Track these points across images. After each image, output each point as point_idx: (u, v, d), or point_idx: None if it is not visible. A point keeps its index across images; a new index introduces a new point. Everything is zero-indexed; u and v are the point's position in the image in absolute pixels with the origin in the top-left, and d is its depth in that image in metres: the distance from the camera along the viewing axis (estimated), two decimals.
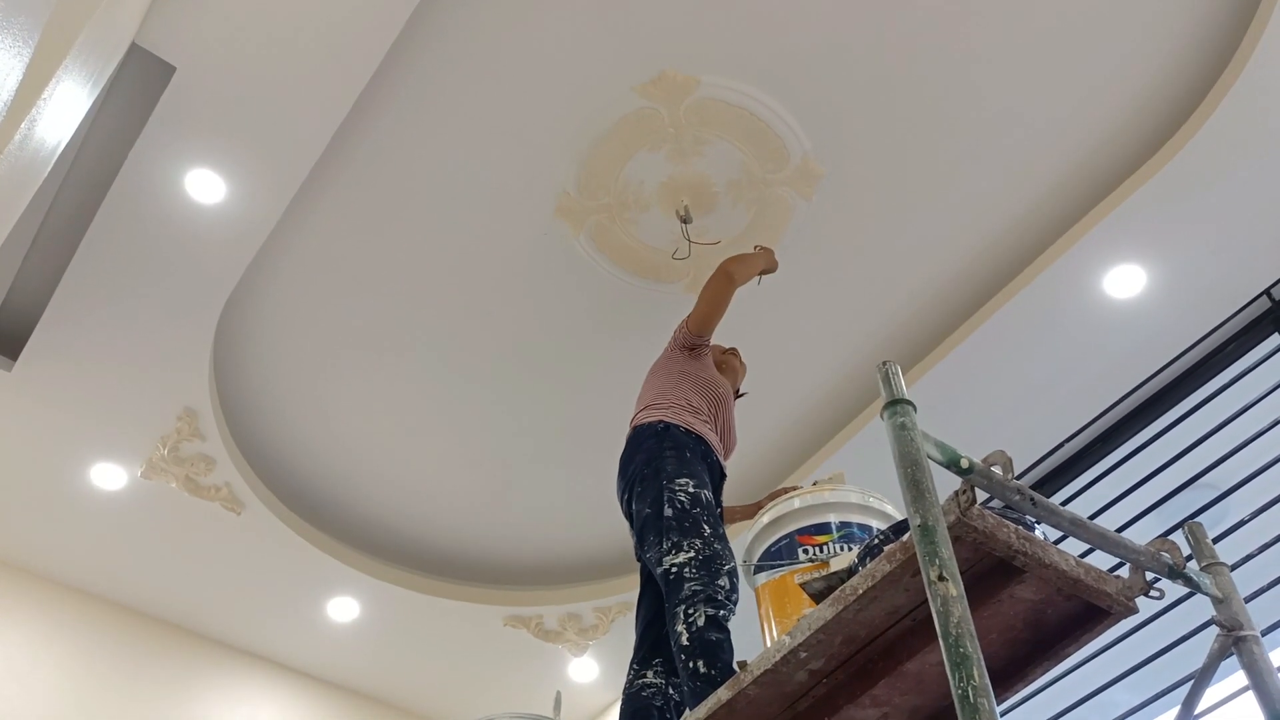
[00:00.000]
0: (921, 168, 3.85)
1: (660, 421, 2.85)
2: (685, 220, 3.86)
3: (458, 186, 3.86)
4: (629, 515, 2.81)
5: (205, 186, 3.61)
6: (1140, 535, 3.59)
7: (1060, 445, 4.25)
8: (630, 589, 4.57)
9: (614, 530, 4.26)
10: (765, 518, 2.76)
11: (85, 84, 2.78)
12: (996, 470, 1.75)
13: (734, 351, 3.50)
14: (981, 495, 1.78)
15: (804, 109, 3.70)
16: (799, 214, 3.95)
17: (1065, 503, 4.07)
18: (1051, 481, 4.31)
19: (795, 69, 3.62)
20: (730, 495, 3.20)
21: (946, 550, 1.55)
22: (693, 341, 3.15)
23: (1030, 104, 3.70)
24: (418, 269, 4.08)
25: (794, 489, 3.14)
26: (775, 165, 3.83)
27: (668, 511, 2.58)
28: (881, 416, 1.75)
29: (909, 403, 1.73)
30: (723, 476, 2.94)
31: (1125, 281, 3.91)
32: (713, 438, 2.92)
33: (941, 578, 1.51)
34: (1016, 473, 4.18)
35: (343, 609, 4.95)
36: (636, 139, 3.76)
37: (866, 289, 4.16)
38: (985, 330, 4.04)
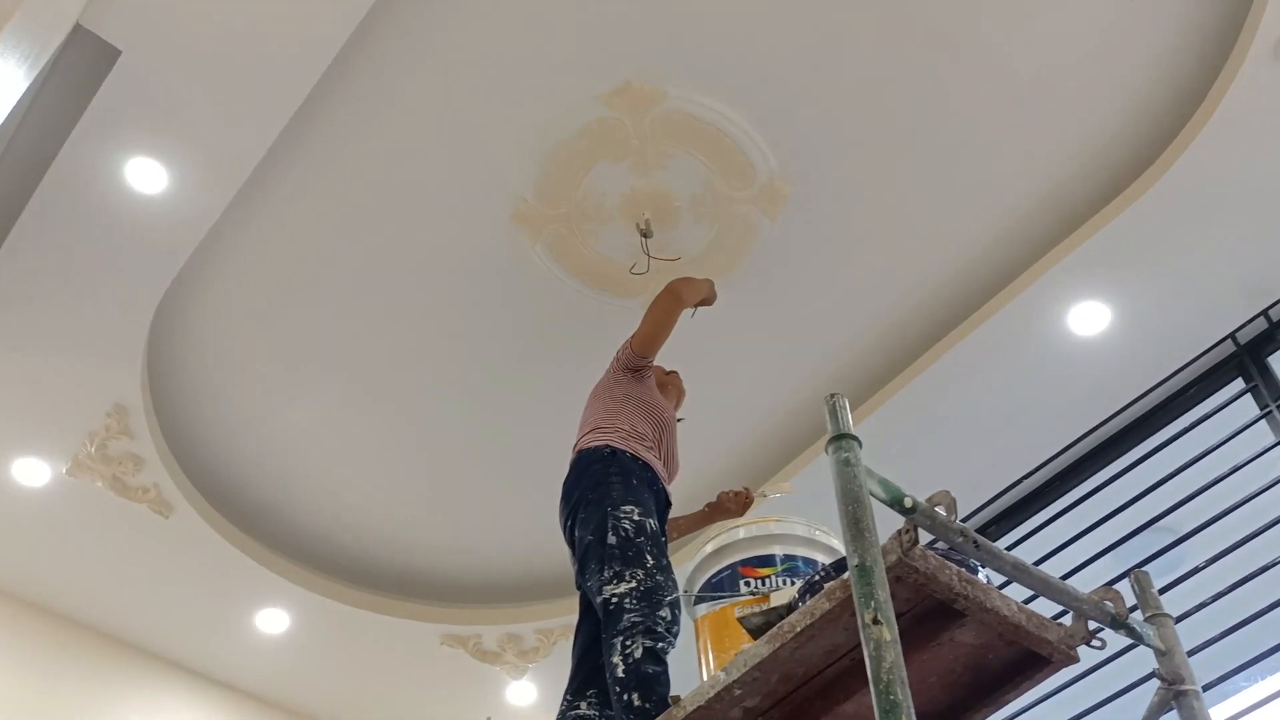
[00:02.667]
0: (889, 193, 3.89)
1: (606, 446, 2.85)
2: (646, 234, 3.87)
3: (412, 186, 3.85)
4: (571, 542, 2.80)
5: (146, 176, 3.57)
6: (1096, 579, 3.68)
7: (1015, 484, 4.30)
8: (574, 610, 4.54)
9: (559, 549, 4.12)
10: (709, 547, 2.76)
11: (21, 64, 2.74)
12: (941, 511, 1.77)
13: (675, 374, 3.51)
14: (926, 537, 1.80)
15: (772, 127, 3.73)
16: (763, 234, 3.97)
17: (1019, 543, 4.12)
18: (1006, 520, 4.36)
19: (765, 86, 3.64)
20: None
21: (883, 593, 1.56)
22: (637, 363, 3.15)
23: (1002, 133, 3.75)
24: (366, 271, 4.06)
25: (747, 494, 3.20)
26: (740, 183, 3.85)
27: (611, 539, 2.58)
28: (826, 451, 1.75)
29: (854, 438, 1.74)
30: (668, 504, 2.93)
31: (1089, 319, 3.96)
32: (657, 464, 2.92)
33: (876, 620, 1.52)
34: (968, 512, 4.28)
35: (272, 621, 4.89)
36: (599, 149, 3.77)
37: (824, 316, 4.21)
38: (943, 364, 4.09)
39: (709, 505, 3.32)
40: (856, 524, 1.65)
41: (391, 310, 4.17)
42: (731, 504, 3.25)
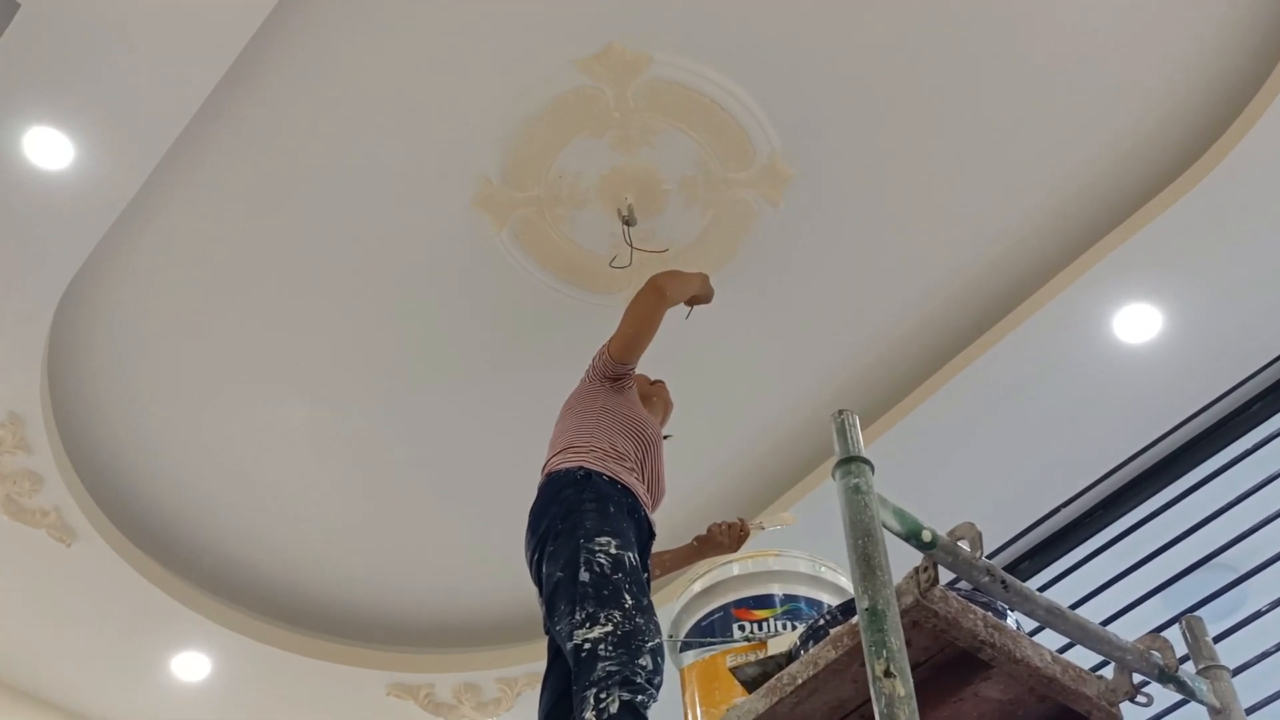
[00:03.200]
0: (907, 178, 3.90)
1: (580, 468, 2.85)
2: (628, 222, 3.87)
3: (357, 165, 3.84)
4: (538, 579, 2.79)
5: (48, 148, 3.55)
6: (1142, 625, 3.69)
7: (1050, 514, 4.31)
8: (542, 656, 4.54)
9: (525, 586, 4.19)
10: (698, 585, 2.77)
11: None
12: (964, 545, 1.76)
13: (661, 385, 3.51)
14: (948, 575, 1.79)
15: (774, 99, 3.73)
16: (762, 222, 3.98)
17: (1053, 583, 4.13)
18: (1039, 556, 4.37)
19: (766, 51, 3.65)
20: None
21: (897, 640, 1.56)
22: (616, 370, 3.15)
23: (1040, 112, 3.77)
24: (305, 263, 4.05)
25: (742, 526, 3.20)
26: (737, 163, 3.86)
27: (584, 576, 2.58)
28: (833, 475, 1.74)
29: (865, 461, 1.73)
30: (651, 535, 2.93)
31: (1138, 324, 3.99)
32: (640, 489, 2.92)
33: (889, 673, 1.51)
34: (995, 548, 4.28)
35: (191, 666, 4.87)
36: (575, 122, 3.77)
37: (832, 319, 4.22)
38: (968, 376, 4.11)
39: (697, 539, 3.31)
40: (867, 560, 1.63)
41: (333, 308, 4.16)
42: (723, 538, 3.25)
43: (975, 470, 4.26)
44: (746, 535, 3.27)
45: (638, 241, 3.89)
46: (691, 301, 3.56)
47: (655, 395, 3.48)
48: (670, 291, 3.29)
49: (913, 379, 4.27)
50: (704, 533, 3.31)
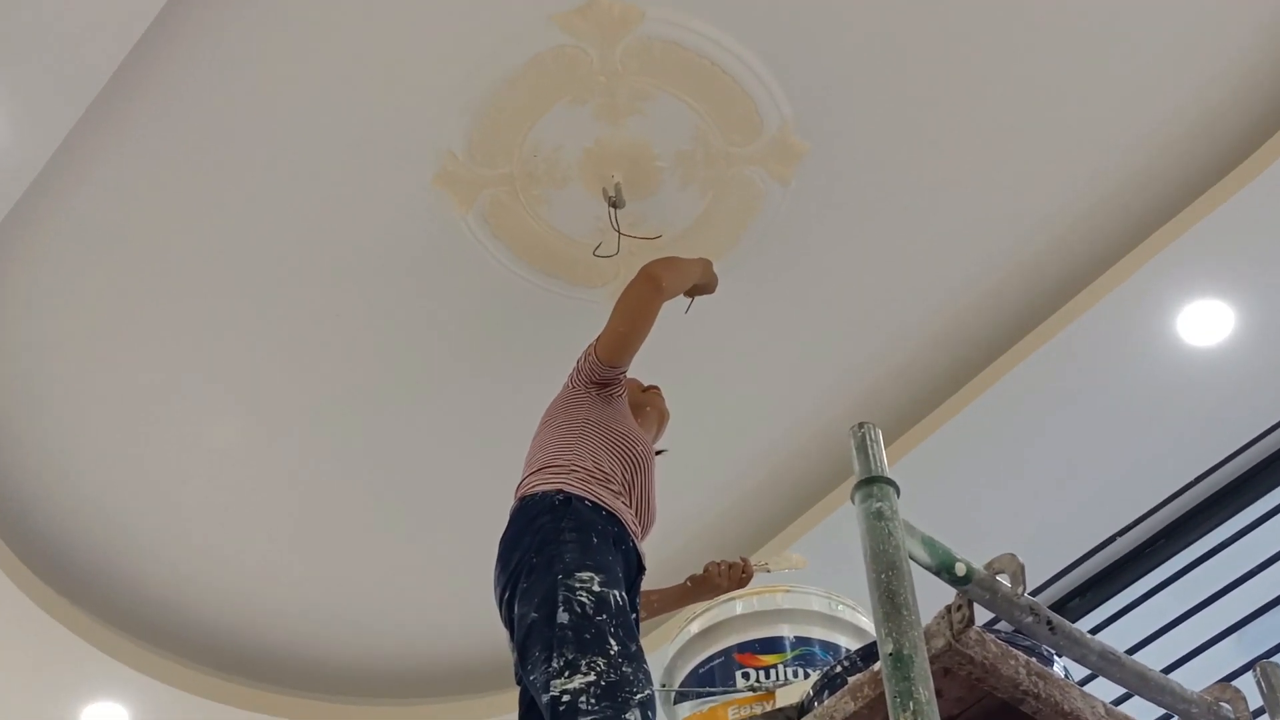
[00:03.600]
0: (940, 153, 3.90)
1: (559, 491, 2.83)
2: (615, 204, 3.86)
3: (298, 139, 3.82)
4: (509, 621, 2.77)
5: None
6: (1210, 672, 3.69)
7: (1104, 544, 4.30)
8: (512, 709, 4.53)
9: (494, 628, 4.21)
10: (695, 626, 2.76)
11: None
12: (1004, 580, 1.76)
13: (655, 392, 3.51)
14: (985, 614, 1.79)
15: (785, 60, 3.72)
16: (770, 204, 3.98)
17: (1107, 624, 4.13)
18: (1092, 592, 4.37)
19: (776, 5, 3.63)
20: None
21: (926, 690, 1.55)
22: (604, 374, 3.14)
23: (1094, 73, 3.75)
24: (236, 254, 4.02)
25: (745, 566, 3.21)
26: (742, 136, 3.85)
27: (563, 617, 2.55)
28: (852, 499, 1.74)
29: (890, 482, 1.74)
30: (640, 570, 2.92)
31: (1206, 323, 3.99)
32: (628, 515, 2.91)
33: None
34: (1041, 583, 4.29)
35: (106, 717, 4.85)
36: (553, 88, 3.76)
37: (850, 318, 4.22)
38: (1009, 384, 4.10)
39: (691, 580, 3.31)
40: (891, 597, 1.63)
41: (272, 307, 4.15)
42: (722, 579, 3.25)
43: (1017, 493, 4.26)
44: (749, 577, 3.27)
45: (626, 226, 3.89)
46: (692, 292, 3.56)
47: (648, 404, 3.47)
48: (666, 282, 3.26)
49: (944, 387, 4.28)
50: (699, 572, 3.31)
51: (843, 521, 4.17)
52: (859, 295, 4.19)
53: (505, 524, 2.91)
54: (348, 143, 3.85)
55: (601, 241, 3.94)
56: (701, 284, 3.56)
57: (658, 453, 3.35)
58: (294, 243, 4.03)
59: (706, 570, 3.29)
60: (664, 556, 4.23)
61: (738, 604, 2.70)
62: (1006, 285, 4.14)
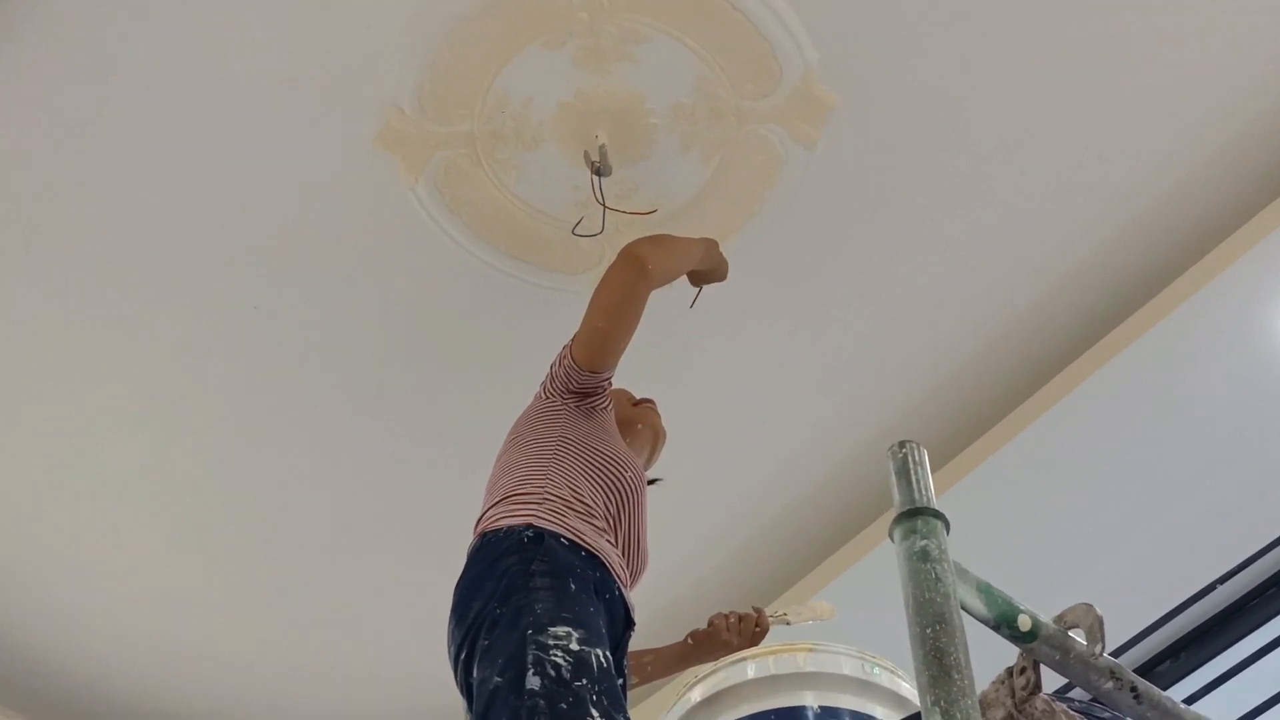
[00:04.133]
0: (999, 110, 3.90)
1: (528, 526, 2.81)
2: (600, 171, 3.84)
3: (209, 89, 3.80)
4: (466, 687, 2.75)
5: None
6: None
7: (1201, 595, 4.29)
8: None
9: (448, 692, 4.25)
10: (697, 693, 2.77)
11: None
12: (1078, 637, 1.77)
13: (649, 406, 3.54)
14: (1054, 678, 1.80)
15: None
16: (791, 171, 3.98)
17: (1206, 691, 4.11)
18: (1186, 653, 4.36)
19: None
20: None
21: None
22: (583, 382, 3.15)
23: (1196, 20, 3.74)
24: (131, 230, 4.01)
25: (759, 619, 3.22)
26: (756, 86, 3.83)
27: (533, 682, 2.50)
28: (890, 536, 1.75)
29: (937, 515, 1.74)
30: (628, 624, 2.91)
31: None
32: (614, 556, 2.91)
33: None
34: (1121, 641, 4.33)
35: None
36: (523, 27, 3.74)
37: (889, 314, 4.26)
38: (1080, 397, 4.13)
39: (693, 636, 3.31)
40: (939, 657, 1.62)
41: (178, 290, 4.14)
42: (731, 636, 3.25)
43: (1094, 530, 4.26)
44: (764, 632, 3.28)
45: (613, 199, 3.88)
46: (699, 280, 3.59)
47: (640, 421, 3.48)
48: (654, 263, 3.23)
49: (1004, 400, 4.32)
50: (703, 627, 3.31)
51: (879, 564, 4.23)
52: (900, 286, 4.22)
53: (462, 568, 2.89)
54: (268, 94, 3.83)
55: (583, 217, 3.95)
56: (708, 270, 3.58)
57: (650, 481, 3.35)
58: (206, 219, 4.02)
59: (712, 624, 3.29)
60: (658, 607, 4.24)
61: (749, 666, 2.68)
62: (1073, 281, 4.18)
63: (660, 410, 3.56)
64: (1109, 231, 4.10)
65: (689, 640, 3.30)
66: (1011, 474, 4.23)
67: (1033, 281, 4.19)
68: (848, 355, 4.34)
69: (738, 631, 3.25)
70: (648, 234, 3.59)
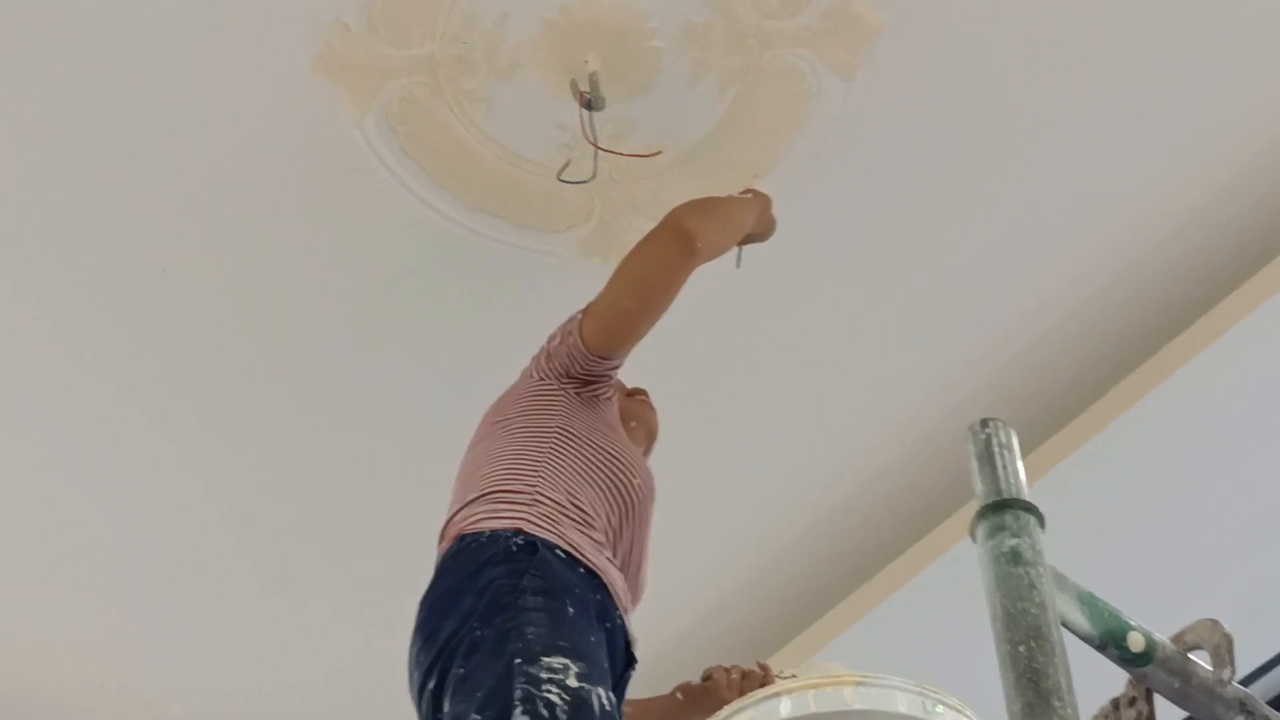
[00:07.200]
0: (1089, 33, 3.91)
1: (516, 531, 2.83)
2: (591, 104, 3.85)
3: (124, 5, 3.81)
4: None
5: None
6: None
7: None
8: None
9: None
10: None
11: None
12: (1201, 660, 1.80)
13: (641, 397, 3.61)
14: (1171, 709, 1.84)
15: None
16: (825, 108, 3.98)
17: None
18: None
19: None
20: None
21: None
22: (589, 367, 3.19)
23: None
24: (8, 164, 4.00)
25: (764, 674, 3.27)
26: (784, 2, 3.82)
27: None
28: (972, 535, 1.76)
29: (1030, 509, 1.75)
30: (630, 661, 2.96)
31: None
32: (616, 577, 2.95)
33: None
34: (1252, 666, 4.29)
35: None
36: None
37: (950, 278, 4.33)
38: (1199, 369, 4.16)
39: (683, 691, 3.33)
40: (1035, 680, 1.61)
41: (67, 246, 4.15)
42: (731, 694, 3.22)
43: (1219, 531, 4.22)
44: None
45: (606, 138, 3.90)
46: (745, 240, 3.61)
47: (634, 415, 3.53)
48: (704, 241, 3.28)
49: (1101, 375, 4.42)
50: (696, 681, 3.32)
51: (955, 568, 4.20)
52: (961, 245, 4.27)
53: (429, 579, 2.91)
54: (180, 5, 3.81)
55: (569, 160, 3.95)
56: (757, 230, 3.63)
57: None
58: (99, 163, 4.03)
59: (710, 679, 3.29)
60: (677, 629, 4.24)
61: (784, 702, 2.63)
62: (1215, 207, 4.20)
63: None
64: (1216, 182, 4.17)
65: (678, 695, 3.31)
66: (1112, 461, 4.25)
67: (1127, 242, 4.24)
68: (893, 331, 4.42)
69: (739, 691, 3.22)
70: (649, 180, 3.75)
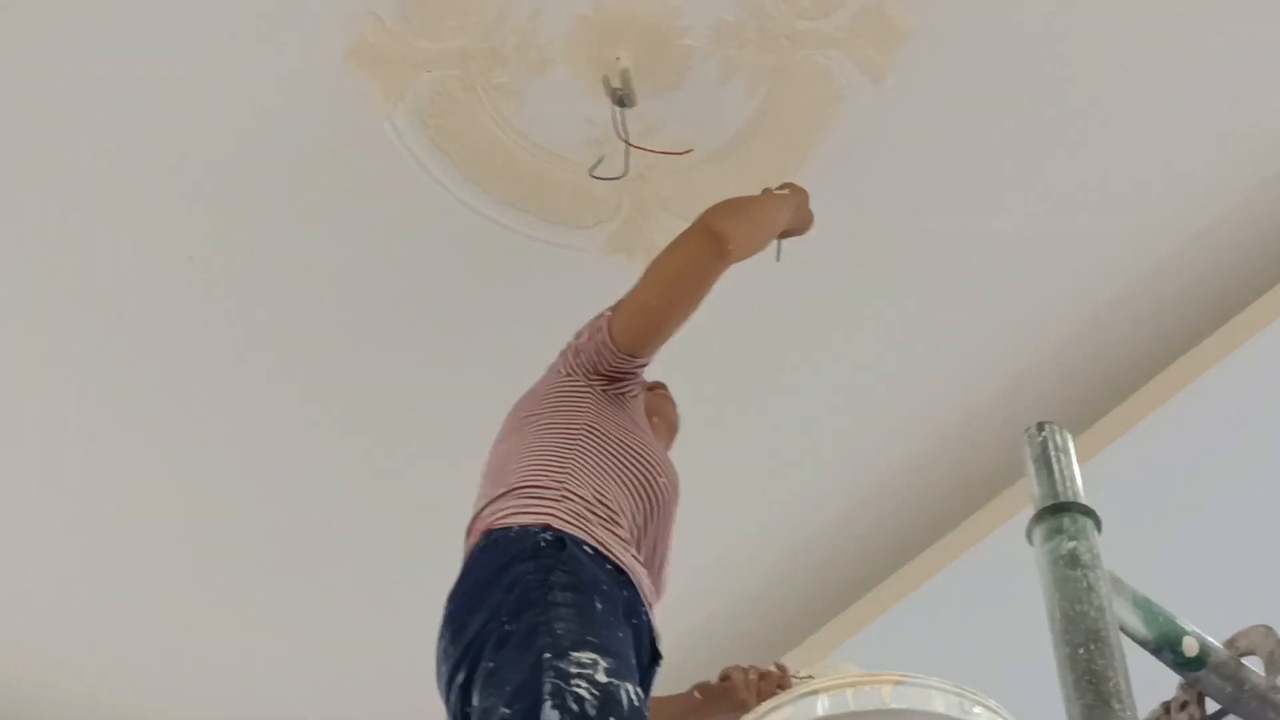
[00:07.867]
0: (1116, 35, 3.90)
1: (545, 527, 2.82)
2: (623, 101, 3.86)
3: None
4: (461, 718, 2.75)
5: None
6: None
7: None
8: None
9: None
10: None
11: None
12: (1254, 666, 1.81)
13: (663, 393, 3.62)
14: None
15: None
16: (853, 108, 3.99)
17: None
18: None
19: None
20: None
21: None
22: (617, 365, 3.19)
23: None
24: (40, 148, 4.00)
25: (782, 677, 3.26)
26: (815, 2, 3.83)
27: (550, 716, 2.49)
28: (1028, 538, 1.76)
29: (1088, 512, 1.75)
30: (655, 659, 2.95)
31: None
32: (642, 574, 2.94)
33: None
34: None
35: None
36: None
37: (979, 277, 4.32)
38: (1246, 358, 4.14)
39: (701, 690, 3.32)
40: (1095, 683, 1.61)
41: (95, 232, 4.14)
42: (750, 695, 3.24)
43: (1273, 528, 4.20)
44: (786, 689, 3.25)
45: (637, 135, 3.89)
46: (784, 234, 3.62)
47: (655, 411, 3.52)
48: (736, 243, 3.28)
49: (1141, 364, 4.39)
50: (713, 681, 3.31)
51: (977, 566, 4.22)
52: (988, 246, 4.27)
53: (456, 577, 2.89)
54: (222, 3, 3.81)
55: (601, 158, 3.95)
56: (794, 226, 3.64)
57: None
58: (130, 149, 4.03)
59: (727, 678, 3.28)
60: (698, 624, 4.24)
61: (821, 700, 2.63)
62: (1233, 218, 4.22)
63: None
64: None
65: (696, 694, 3.31)
66: (1155, 457, 4.24)
67: (1165, 237, 4.26)
68: (923, 330, 4.42)
69: (759, 690, 3.24)
70: (680, 177, 3.67)
